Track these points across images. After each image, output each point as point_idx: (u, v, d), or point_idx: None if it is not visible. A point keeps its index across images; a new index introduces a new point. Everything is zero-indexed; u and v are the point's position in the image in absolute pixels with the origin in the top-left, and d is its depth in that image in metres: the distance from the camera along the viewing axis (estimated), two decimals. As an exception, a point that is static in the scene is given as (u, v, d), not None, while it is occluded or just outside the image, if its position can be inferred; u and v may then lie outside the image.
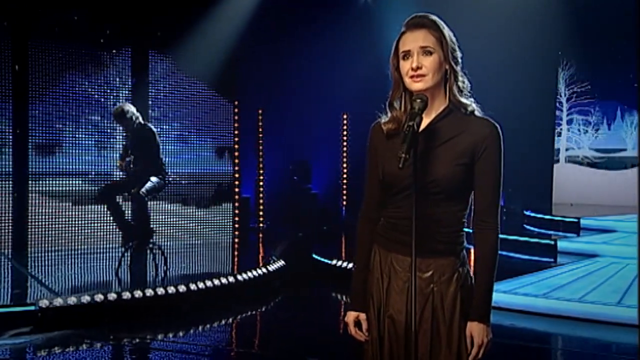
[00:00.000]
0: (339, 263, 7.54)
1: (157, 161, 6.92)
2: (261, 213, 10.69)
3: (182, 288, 6.05)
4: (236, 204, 9.68)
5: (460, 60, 2.24)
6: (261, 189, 10.73)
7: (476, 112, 2.24)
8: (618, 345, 5.40)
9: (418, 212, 2.11)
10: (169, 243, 8.20)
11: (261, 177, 10.75)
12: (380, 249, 2.32)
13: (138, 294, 5.79)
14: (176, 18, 8.88)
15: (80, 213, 8.20)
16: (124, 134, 7.32)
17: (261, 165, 10.77)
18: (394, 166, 2.09)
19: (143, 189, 6.76)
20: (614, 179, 12.55)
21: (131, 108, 6.95)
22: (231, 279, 6.52)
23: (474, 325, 2.20)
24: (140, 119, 6.97)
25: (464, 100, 2.23)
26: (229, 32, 9.52)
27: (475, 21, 9.01)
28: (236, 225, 9.58)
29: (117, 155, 7.54)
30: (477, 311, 2.21)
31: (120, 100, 8.06)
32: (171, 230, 8.78)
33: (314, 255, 8.09)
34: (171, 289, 5.99)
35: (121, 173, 7.26)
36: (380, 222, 2.32)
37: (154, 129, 6.99)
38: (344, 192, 11.74)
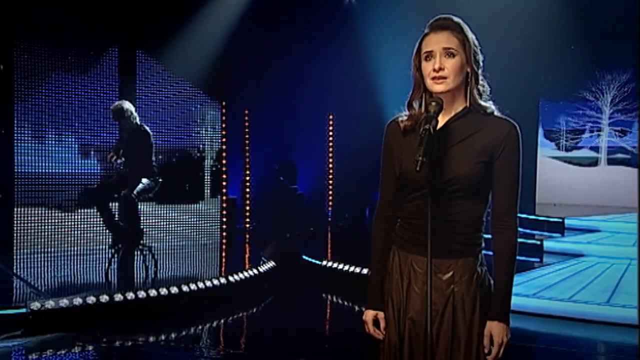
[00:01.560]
0: (329, 264, 7.54)
1: (149, 163, 6.87)
2: (247, 214, 10.66)
3: (174, 290, 6.02)
4: (224, 205, 9.64)
5: (481, 63, 2.24)
6: (248, 190, 10.70)
7: (495, 113, 2.26)
8: (609, 345, 5.47)
9: (437, 212, 2.12)
10: (157, 244, 8.14)
11: (247, 178, 10.72)
12: (399, 250, 2.31)
13: (130, 295, 5.75)
14: (164, 18, 8.82)
15: (68, 214, 8.11)
16: (118, 133, 7.26)
17: (247, 166, 10.74)
18: (411, 164, 2.09)
19: (134, 191, 6.71)
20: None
21: (130, 107, 6.89)
22: (223, 280, 6.51)
23: (493, 324, 2.21)
24: (138, 119, 6.92)
25: (483, 103, 2.24)
26: (216, 33, 9.49)
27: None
28: (224, 226, 9.55)
29: (105, 155, 7.47)
30: (497, 311, 2.22)
31: (108, 100, 7.99)
32: (159, 232, 8.72)
33: (304, 257, 8.09)
34: (163, 291, 5.96)
35: (111, 172, 7.18)
36: (398, 223, 2.32)
37: (149, 131, 6.94)
38: (330, 192, 11.75)
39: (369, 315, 2.35)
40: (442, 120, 2.21)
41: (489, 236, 2.28)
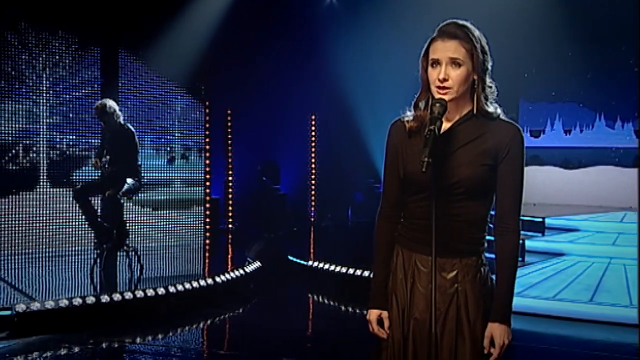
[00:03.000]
0: (315, 264, 7.55)
1: (134, 163, 6.80)
2: (230, 214, 10.62)
3: (160, 291, 6.00)
4: (207, 205, 9.60)
5: (490, 68, 2.24)
6: (230, 190, 10.67)
7: (501, 116, 2.27)
8: (592, 343, 5.54)
9: (442, 212, 2.13)
10: (141, 245, 8.08)
11: (230, 179, 10.69)
12: (403, 249, 2.32)
13: (117, 297, 5.72)
14: (147, 18, 8.77)
15: (51, 215, 8.02)
16: (101, 132, 7.18)
17: (230, 167, 10.71)
18: (416, 166, 2.11)
19: (119, 191, 6.65)
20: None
21: (114, 105, 6.80)
22: (209, 280, 6.49)
23: (494, 326, 2.23)
24: (121, 118, 6.84)
25: (489, 108, 2.25)
26: (199, 33, 9.46)
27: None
28: (207, 227, 9.51)
29: (89, 154, 7.39)
30: (499, 312, 2.24)
31: (92, 100, 7.92)
32: (143, 232, 8.67)
33: (289, 257, 8.09)
34: (150, 292, 5.93)
35: (95, 172, 7.11)
36: (402, 222, 2.33)
37: (133, 130, 6.86)
38: (313, 192, 11.77)
39: (372, 314, 2.35)
40: (447, 124, 2.23)
41: (491, 238, 2.30)
